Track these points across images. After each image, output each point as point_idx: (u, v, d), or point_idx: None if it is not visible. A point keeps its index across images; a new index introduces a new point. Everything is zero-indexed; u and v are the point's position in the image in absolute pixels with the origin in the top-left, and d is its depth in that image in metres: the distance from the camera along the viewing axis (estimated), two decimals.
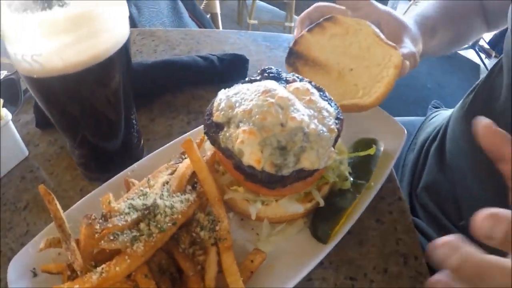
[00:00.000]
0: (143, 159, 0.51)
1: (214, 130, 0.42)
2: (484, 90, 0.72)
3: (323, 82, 0.51)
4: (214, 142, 0.42)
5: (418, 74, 3.69)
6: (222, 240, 0.39)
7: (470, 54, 3.41)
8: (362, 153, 0.49)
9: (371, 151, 0.48)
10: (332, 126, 0.40)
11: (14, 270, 0.41)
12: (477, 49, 3.32)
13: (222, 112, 0.41)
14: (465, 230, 0.69)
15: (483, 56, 3.27)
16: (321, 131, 0.39)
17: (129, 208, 0.38)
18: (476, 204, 0.64)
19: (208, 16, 1.54)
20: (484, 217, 0.28)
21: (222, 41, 0.90)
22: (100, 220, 0.37)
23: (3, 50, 0.41)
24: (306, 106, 0.41)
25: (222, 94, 0.44)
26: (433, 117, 0.94)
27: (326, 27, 0.55)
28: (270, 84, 0.43)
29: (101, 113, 0.46)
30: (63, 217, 0.41)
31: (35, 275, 0.42)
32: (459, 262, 0.28)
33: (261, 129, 0.38)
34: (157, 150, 0.52)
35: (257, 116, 0.39)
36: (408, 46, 0.56)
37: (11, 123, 0.54)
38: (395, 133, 0.56)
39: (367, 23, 0.55)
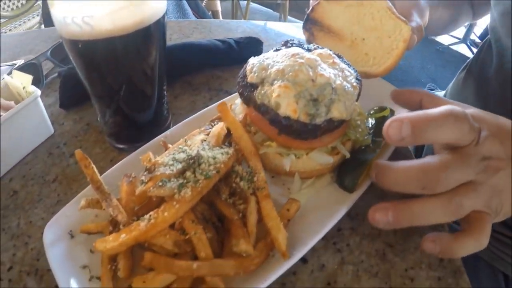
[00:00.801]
0: (175, 126, 0.54)
1: (249, 90, 0.45)
2: (476, 65, 0.77)
3: (337, 48, 0.55)
4: (249, 100, 0.45)
5: (412, 69, 3.79)
6: (260, 189, 0.42)
7: (462, 48, 3.51)
8: (378, 115, 0.53)
9: (385, 113, 0.53)
10: (355, 84, 0.44)
11: (50, 233, 0.42)
12: (469, 43, 3.42)
13: (256, 74, 0.45)
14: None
15: (474, 50, 3.38)
16: (346, 86, 0.43)
17: (172, 160, 0.41)
18: None
19: (209, 13, 1.59)
20: (389, 124, 0.33)
21: (233, 29, 0.94)
22: (145, 173, 0.41)
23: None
24: (330, 67, 0.45)
25: (254, 59, 0.48)
26: None
27: None
28: (297, 49, 0.47)
29: (138, 82, 0.50)
30: (100, 179, 0.43)
31: (72, 237, 0.43)
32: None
33: (295, 84, 0.42)
34: (187, 119, 0.55)
35: (290, 74, 0.43)
36: (416, 20, 0.60)
37: (39, 99, 0.57)
38: None
39: None
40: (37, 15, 2.25)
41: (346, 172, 0.47)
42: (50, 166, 0.57)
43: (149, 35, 0.45)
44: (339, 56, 0.49)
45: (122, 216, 0.39)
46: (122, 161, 0.50)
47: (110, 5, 0.39)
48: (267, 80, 0.44)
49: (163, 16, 0.46)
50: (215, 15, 1.60)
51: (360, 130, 0.50)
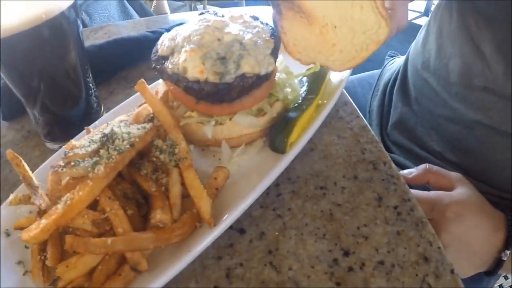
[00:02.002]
0: (103, 116, 0.55)
1: (161, 62, 0.46)
2: (434, 22, 0.79)
3: (303, 32, 0.52)
4: (163, 73, 0.46)
5: None
6: (182, 160, 0.42)
7: (423, 21, 3.64)
8: (307, 72, 0.54)
9: (315, 68, 0.53)
10: (267, 38, 0.45)
11: None
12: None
13: (166, 45, 0.46)
14: (439, 154, 0.76)
15: None
16: (257, 41, 0.44)
17: (89, 142, 0.41)
18: (447, 126, 0.71)
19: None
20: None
21: (170, 23, 0.95)
22: (63, 159, 0.41)
23: None
24: (241, 26, 0.46)
25: (164, 35, 0.49)
26: (390, 64, 1.02)
27: None
28: (207, 15, 0.48)
29: (56, 78, 0.50)
30: (31, 175, 0.43)
31: (8, 235, 0.44)
32: None
33: (201, 46, 0.43)
34: (115, 107, 0.56)
35: (196, 38, 0.43)
36: (397, 17, 0.55)
37: None
38: None
39: None
40: None
41: (275, 133, 0.47)
42: None
43: (60, 25, 0.46)
44: (255, 18, 0.50)
45: (44, 203, 0.39)
46: (53, 155, 0.50)
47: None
48: (176, 49, 0.45)
49: (69, 9, 0.47)
50: None
51: (289, 90, 0.51)
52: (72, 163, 0.39)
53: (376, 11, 0.49)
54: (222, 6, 4.23)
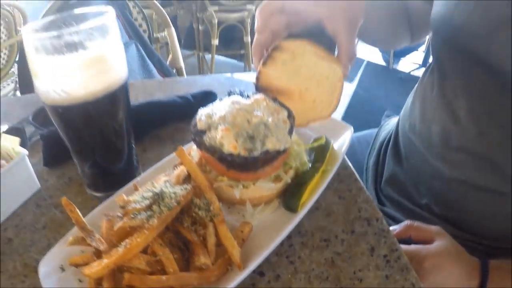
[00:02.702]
0: (144, 173, 0.68)
1: (199, 135, 0.60)
2: (421, 88, 0.95)
3: (290, 105, 0.66)
4: (201, 144, 0.60)
5: (377, 99, 4.15)
6: (216, 216, 0.55)
7: (421, 73, 3.90)
8: (315, 144, 0.69)
9: (321, 141, 0.68)
10: (285, 119, 0.60)
11: (44, 268, 0.54)
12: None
13: (203, 121, 0.60)
14: (425, 207, 0.91)
15: None
16: (278, 123, 0.59)
17: (141, 198, 0.54)
18: (431, 182, 0.85)
19: (174, 70, 1.80)
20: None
21: (191, 84, 1.12)
22: (120, 210, 0.53)
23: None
24: (264, 108, 0.61)
25: (202, 110, 0.64)
26: (387, 124, 1.18)
27: (276, 57, 0.68)
28: (236, 98, 0.63)
29: (109, 138, 0.64)
30: (84, 221, 0.56)
31: (63, 270, 0.54)
32: None
33: (234, 126, 0.57)
34: (154, 166, 0.69)
35: (230, 119, 0.58)
36: (344, 42, 0.66)
37: (26, 158, 0.70)
38: (343, 129, 0.77)
39: (305, 42, 0.67)
40: (12, 82, 2.47)
41: (289, 196, 0.61)
42: (39, 216, 0.68)
43: (116, 97, 0.60)
44: (274, 100, 0.66)
45: (103, 246, 0.51)
46: (101, 204, 0.63)
47: (82, 75, 0.54)
48: (213, 125, 0.59)
49: (126, 81, 0.62)
50: (179, 72, 1.80)
51: (299, 159, 0.65)
52: (132, 216, 0.51)
53: (324, 60, 0.66)
54: (229, 57, 4.57)
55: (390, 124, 1.17)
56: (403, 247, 0.70)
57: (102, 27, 0.55)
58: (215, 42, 3.70)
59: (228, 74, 1.23)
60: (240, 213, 0.62)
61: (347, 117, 3.56)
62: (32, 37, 0.53)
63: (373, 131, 1.25)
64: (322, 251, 0.60)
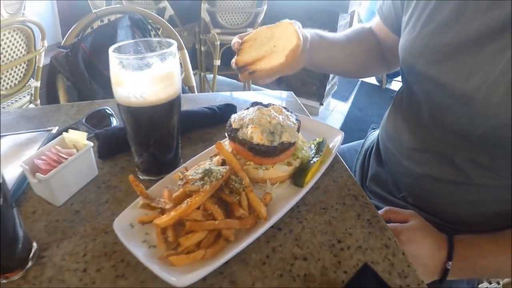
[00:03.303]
0: (189, 160, 0.93)
1: (234, 132, 0.86)
2: (394, 104, 1.23)
3: (267, 60, 0.84)
4: (235, 138, 0.86)
5: (370, 118, 4.47)
6: (247, 187, 0.80)
7: None
8: (315, 142, 0.95)
9: (319, 140, 0.95)
10: (295, 122, 0.87)
11: (118, 225, 0.73)
12: None
13: (236, 122, 0.86)
14: (402, 199, 1.20)
15: None
16: (289, 123, 0.85)
17: (195, 173, 0.79)
18: (405, 178, 1.12)
19: (186, 88, 2.08)
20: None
21: (211, 100, 1.39)
22: (180, 181, 0.78)
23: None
24: (280, 114, 0.88)
25: (234, 115, 0.90)
26: (371, 135, 1.46)
27: (244, 47, 0.91)
28: (260, 106, 0.90)
29: (166, 135, 0.89)
30: (147, 192, 0.80)
31: (132, 226, 0.75)
32: None
33: (260, 125, 0.83)
34: (195, 156, 0.95)
35: (256, 120, 0.84)
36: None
37: (91, 149, 0.93)
38: (336, 133, 1.04)
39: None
40: (28, 95, 2.72)
41: (297, 176, 0.87)
42: (101, 194, 0.88)
43: (173, 104, 0.85)
44: (286, 109, 0.92)
45: (169, 205, 0.75)
46: (155, 184, 0.86)
47: (156, 86, 0.81)
48: (244, 125, 0.85)
49: (180, 93, 0.88)
50: (191, 90, 2.08)
51: (304, 151, 0.92)
52: (191, 183, 0.76)
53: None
54: (229, 77, 4.89)
55: (373, 134, 1.45)
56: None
57: (171, 52, 0.82)
58: (217, 62, 4.02)
59: (228, 93, 1.52)
60: (262, 188, 0.87)
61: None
62: (119, 57, 0.79)
63: (360, 141, 1.52)
64: (322, 215, 0.85)
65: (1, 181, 0.62)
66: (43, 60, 2.66)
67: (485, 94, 0.80)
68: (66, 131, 0.96)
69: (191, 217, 0.74)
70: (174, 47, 0.83)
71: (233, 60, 0.89)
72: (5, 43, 2.38)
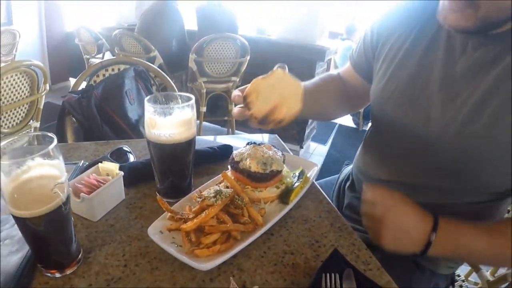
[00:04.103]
0: (201, 186, 1.25)
1: (236, 164, 1.20)
2: (364, 141, 1.59)
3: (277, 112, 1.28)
4: (236, 168, 1.19)
5: (347, 159, 4.83)
6: (246, 204, 1.12)
7: None
8: (296, 171, 1.30)
9: (300, 169, 1.30)
10: (281, 156, 1.22)
11: (151, 231, 1.02)
12: None
13: (237, 156, 1.20)
14: None
15: None
16: (277, 157, 1.20)
17: (208, 193, 1.11)
18: None
19: None
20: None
21: (210, 142, 1.74)
22: (198, 199, 1.10)
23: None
24: (270, 150, 1.23)
25: (235, 151, 1.24)
26: (345, 169, 1.82)
27: (250, 101, 1.04)
28: (254, 145, 1.24)
29: (184, 165, 1.21)
30: (171, 208, 1.11)
31: (162, 233, 1.03)
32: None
33: (255, 158, 1.17)
34: (205, 183, 1.27)
35: (252, 154, 1.19)
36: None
37: (121, 177, 1.25)
38: (313, 166, 1.39)
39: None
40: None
41: (283, 196, 1.20)
42: (130, 212, 1.17)
43: (191, 143, 1.18)
44: (274, 146, 1.27)
45: (192, 215, 1.06)
46: (175, 204, 1.18)
47: (180, 129, 1.14)
48: (243, 158, 1.19)
49: (196, 135, 1.22)
50: None
51: (288, 178, 1.26)
52: (208, 199, 1.08)
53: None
54: (213, 123, 5.28)
55: (347, 169, 1.80)
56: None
57: (191, 104, 1.16)
58: (203, 109, 4.42)
59: (212, 137, 1.88)
60: (258, 205, 1.20)
61: (320, 174, 4.21)
62: (154, 106, 1.12)
63: (336, 176, 1.88)
64: (303, 224, 1.17)
65: (66, 194, 0.92)
66: (43, 102, 2.94)
67: (439, 134, 1.02)
68: (96, 163, 1.27)
69: (208, 223, 1.05)
70: (192, 101, 1.18)
71: (235, 110, 1.09)
72: (12, 84, 2.61)
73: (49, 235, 0.90)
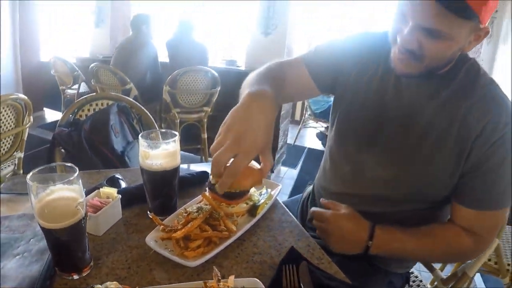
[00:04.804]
0: (185, 205, 1.58)
1: (212, 186, 1.54)
2: (322, 164, 1.98)
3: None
4: (213, 190, 1.54)
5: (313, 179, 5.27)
6: (221, 217, 1.46)
7: None
8: (262, 190, 1.66)
9: (264, 189, 1.66)
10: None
11: (148, 240, 1.33)
12: None
13: (213, 179, 1.56)
14: None
15: None
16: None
17: (192, 210, 1.44)
18: None
19: None
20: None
21: (187, 170, 2.07)
22: (184, 214, 1.43)
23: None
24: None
25: (211, 176, 1.59)
26: (308, 187, 2.19)
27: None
28: None
29: (171, 188, 1.55)
30: (163, 223, 1.44)
31: (156, 242, 1.35)
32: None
33: None
34: (189, 202, 1.60)
35: None
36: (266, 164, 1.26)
37: (119, 199, 1.57)
38: (275, 186, 1.76)
39: None
40: (12, 164, 3.17)
41: (251, 210, 1.55)
42: (127, 228, 1.47)
43: (176, 171, 1.51)
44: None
45: (180, 225, 1.39)
46: (165, 220, 1.50)
47: (168, 159, 1.49)
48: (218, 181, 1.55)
49: (179, 163, 1.57)
50: None
51: (255, 196, 1.61)
52: (192, 215, 1.42)
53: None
54: (187, 151, 5.59)
55: (310, 187, 2.18)
56: (320, 210, 1.47)
57: (176, 140, 1.51)
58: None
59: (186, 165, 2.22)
60: (231, 218, 1.54)
61: (291, 195, 4.59)
62: (146, 142, 1.47)
63: (300, 195, 2.25)
64: (268, 232, 1.52)
65: (84, 211, 1.24)
66: (27, 134, 3.18)
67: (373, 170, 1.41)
68: (95, 189, 1.60)
69: (193, 232, 1.38)
70: (177, 137, 1.53)
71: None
72: None
73: (70, 243, 1.22)
